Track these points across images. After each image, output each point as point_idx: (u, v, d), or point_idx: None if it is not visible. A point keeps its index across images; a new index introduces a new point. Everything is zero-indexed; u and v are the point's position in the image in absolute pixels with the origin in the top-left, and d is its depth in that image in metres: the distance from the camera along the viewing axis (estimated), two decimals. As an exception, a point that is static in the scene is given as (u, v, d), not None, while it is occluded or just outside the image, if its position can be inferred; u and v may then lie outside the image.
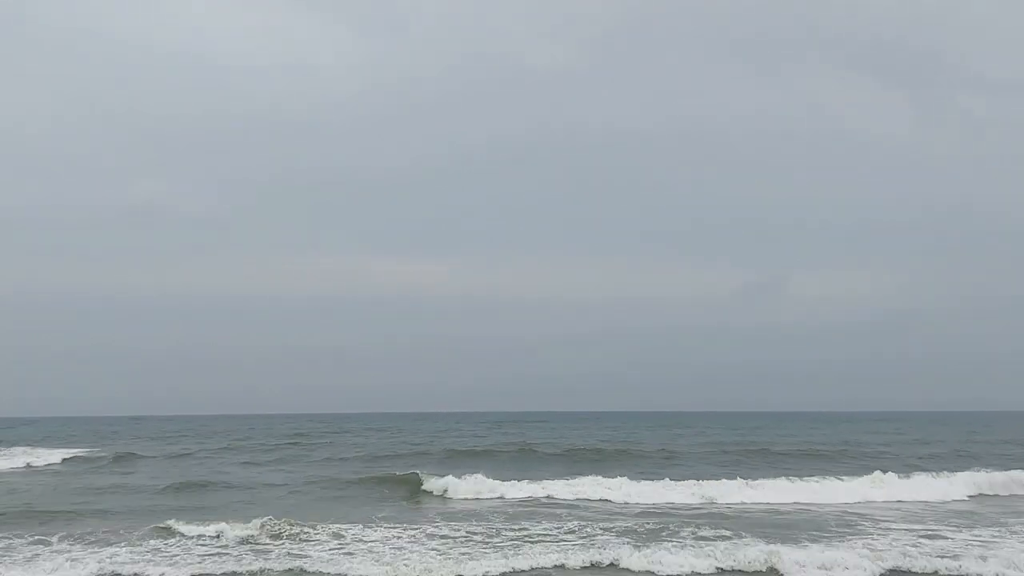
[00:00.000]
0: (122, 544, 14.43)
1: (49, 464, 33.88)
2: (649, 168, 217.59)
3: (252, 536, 14.95)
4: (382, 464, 29.83)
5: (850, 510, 19.14)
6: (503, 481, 22.51)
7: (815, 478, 23.34)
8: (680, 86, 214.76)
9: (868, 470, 24.75)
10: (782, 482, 22.80)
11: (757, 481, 22.48)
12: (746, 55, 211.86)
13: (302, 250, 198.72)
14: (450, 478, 22.58)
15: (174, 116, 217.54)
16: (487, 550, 13.76)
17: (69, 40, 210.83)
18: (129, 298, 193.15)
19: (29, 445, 45.99)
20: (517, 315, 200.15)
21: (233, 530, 15.14)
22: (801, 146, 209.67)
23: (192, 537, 14.93)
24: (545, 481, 22.75)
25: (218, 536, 14.91)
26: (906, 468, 26.81)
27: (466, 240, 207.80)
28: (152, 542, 14.63)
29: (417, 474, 23.59)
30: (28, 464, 33.68)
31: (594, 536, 15.00)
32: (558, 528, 15.90)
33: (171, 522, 15.80)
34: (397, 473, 24.60)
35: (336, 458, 33.68)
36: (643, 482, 22.74)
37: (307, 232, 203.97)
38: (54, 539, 14.89)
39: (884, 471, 23.79)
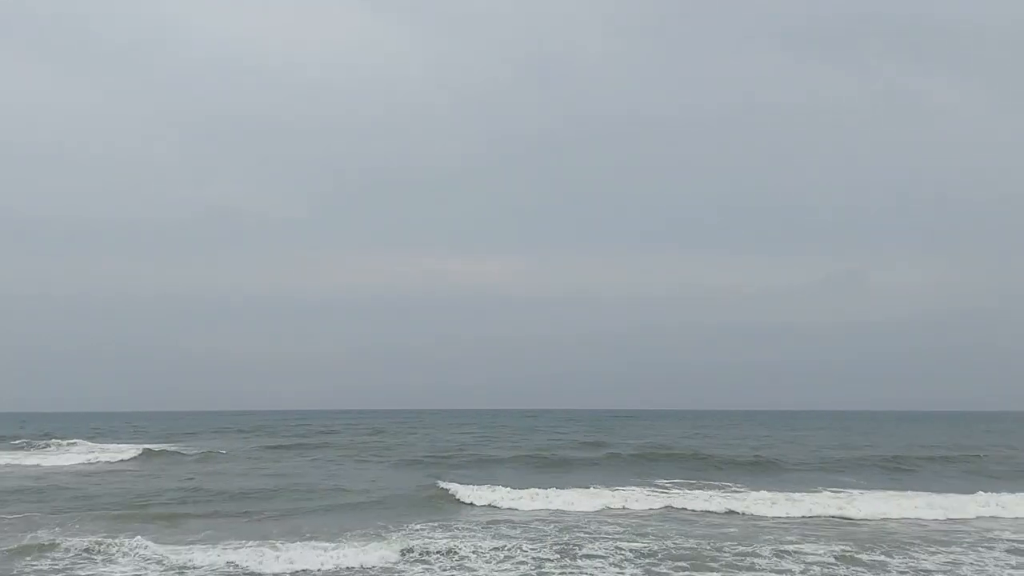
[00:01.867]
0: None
1: (131, 458, 33.66)
2: (713, 155, 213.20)
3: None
4: (465, 464, 28.95)
5: None
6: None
7: None
8: (729, 73, 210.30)
9: None
10: None
11: None
12: (801, 40, 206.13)
13: (375, 250, 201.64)
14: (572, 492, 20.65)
15: (249, 121, 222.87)
16: None
17: (149, 53, 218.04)
18: (211, 298, 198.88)
19: (110, 440, 46.30)
20: (578, 310, 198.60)
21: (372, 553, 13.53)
22: (873, 132, 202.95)
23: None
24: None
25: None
26: None
27: (534, 236, 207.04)
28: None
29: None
30: (99, 459, 33.30)
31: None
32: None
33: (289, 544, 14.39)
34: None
35: (432, 455, 32.77)
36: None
37: (378, 231, 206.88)
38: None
39: None
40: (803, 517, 18.33)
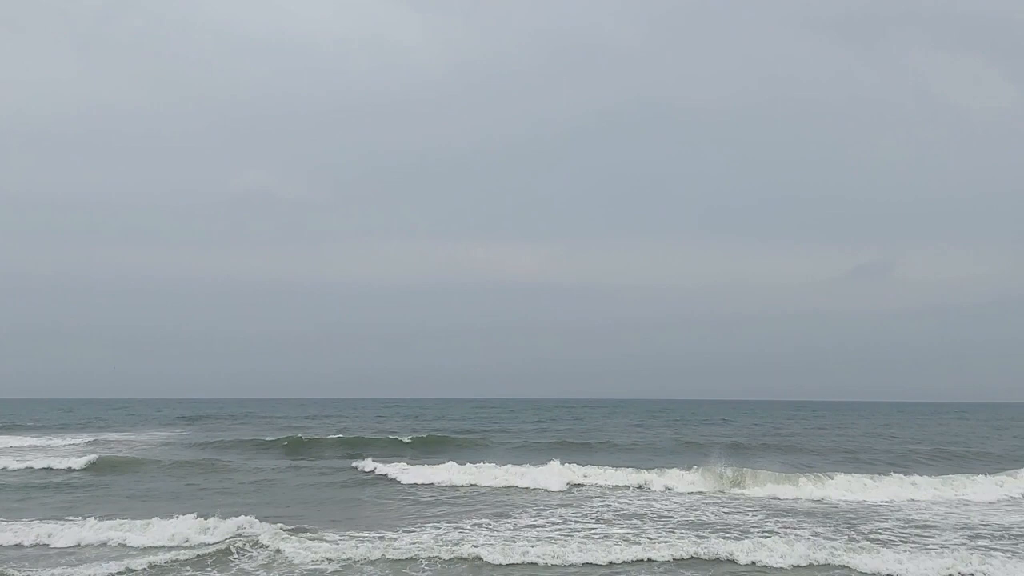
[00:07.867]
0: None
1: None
2: (742, 145, 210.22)
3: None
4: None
5: None
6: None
7: None
8: (766, 61, 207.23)
9: None
10: None
11: None
12: (840, 31, 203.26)
13: (398, 235, 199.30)
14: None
15: (267, 102, 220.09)
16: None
17: (164, 33, 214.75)
18: (236, 284, 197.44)
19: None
20: (595, 299, 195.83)
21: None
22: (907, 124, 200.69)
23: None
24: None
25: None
26: None
27: (560, 223, 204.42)
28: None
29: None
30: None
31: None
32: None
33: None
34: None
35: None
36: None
37: (401, 216, 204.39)
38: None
39: None
40: None
